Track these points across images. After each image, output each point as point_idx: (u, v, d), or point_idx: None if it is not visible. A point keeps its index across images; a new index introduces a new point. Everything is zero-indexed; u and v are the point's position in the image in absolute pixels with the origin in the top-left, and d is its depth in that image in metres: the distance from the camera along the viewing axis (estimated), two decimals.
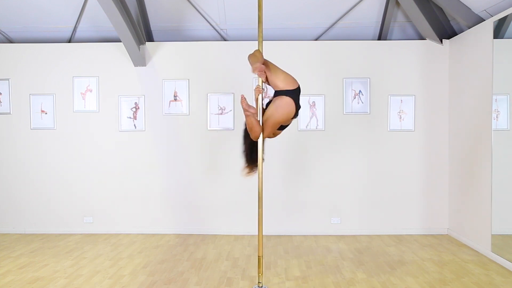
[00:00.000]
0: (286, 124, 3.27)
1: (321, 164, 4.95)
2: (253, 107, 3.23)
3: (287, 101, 3.08)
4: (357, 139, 4.97)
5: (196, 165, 5.00)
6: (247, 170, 3.31)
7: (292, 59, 4.89)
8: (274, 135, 3.35)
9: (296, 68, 4.80)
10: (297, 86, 3.13)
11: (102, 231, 5.04)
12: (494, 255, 3.94)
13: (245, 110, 3.15)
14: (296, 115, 3.18)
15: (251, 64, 3.17)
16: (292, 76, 3.18)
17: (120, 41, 4.85)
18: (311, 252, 4.26)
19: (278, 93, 3.15)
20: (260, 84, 3.20)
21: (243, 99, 3.17)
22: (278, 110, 3.11)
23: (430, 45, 4.91)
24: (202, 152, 4.99)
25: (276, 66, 3.22)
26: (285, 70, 3.22)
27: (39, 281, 3.46)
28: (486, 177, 4.08)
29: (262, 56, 3.20)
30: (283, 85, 3.11)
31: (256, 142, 3.22)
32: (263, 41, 3.34)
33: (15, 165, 5.06)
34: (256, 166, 3.27)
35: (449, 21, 4.76)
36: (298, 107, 3.15)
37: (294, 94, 3.11)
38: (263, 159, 3.26)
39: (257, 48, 3.25)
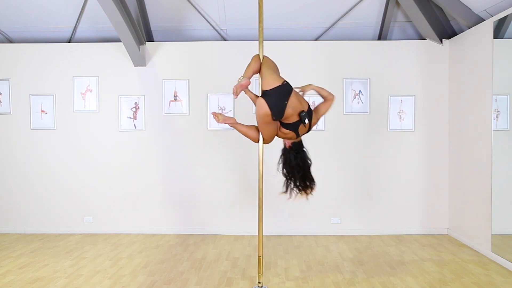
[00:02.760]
0: (290, 123, 3.01)
1: (321, 164, 4.95)
2: (230, 117, 3.19)
3: (258, 102, 2.94)
4: (357, 139, 4.97)
5: (196, 165, 5.00)
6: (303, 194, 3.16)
7: (292, 59, 4.89)
8: (288, 137, 3.13)
9: (296, 68, 4.83)
10: (276, 85, 2.93)
11: (102, 231, 5.04)
12: (494, 255, 3.94)
13: (229, 124, 3.17)
14: (302, 118, 2.97)
15: (245, 72, 3.09)
16: (275, 74, 3.04)
17: (120, 41, 4.85)
18: (311, 252, 4.26)
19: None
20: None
21: (216, 117, 3.13)
22: (256, 112, 3.00)
23: (430, 45, 4.90)
24: (202, 152, 4.99)
25: (266, 66, 3.12)
26: (272, 69, 3.10)
27: (39, 281, 3.46)
28: (486, 177, 4.08)
29: (258, 64, 3.13)
30: (263, 86, 3.00)
31: (304, 165, 3.12)
32: (264, 41, 3.34)
33: (15, 165, 5.06)
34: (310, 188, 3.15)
35: (449, 21, 4.76)
36: (276, 105, 2.91)
37: (271, 92, 2.92)
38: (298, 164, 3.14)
39: (259, 55, 3.20)
